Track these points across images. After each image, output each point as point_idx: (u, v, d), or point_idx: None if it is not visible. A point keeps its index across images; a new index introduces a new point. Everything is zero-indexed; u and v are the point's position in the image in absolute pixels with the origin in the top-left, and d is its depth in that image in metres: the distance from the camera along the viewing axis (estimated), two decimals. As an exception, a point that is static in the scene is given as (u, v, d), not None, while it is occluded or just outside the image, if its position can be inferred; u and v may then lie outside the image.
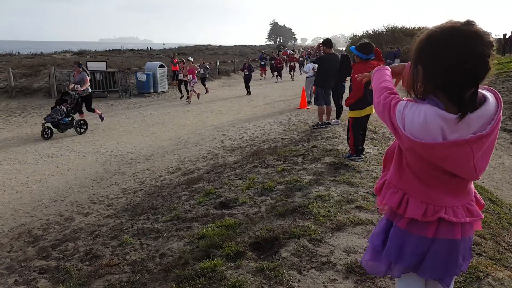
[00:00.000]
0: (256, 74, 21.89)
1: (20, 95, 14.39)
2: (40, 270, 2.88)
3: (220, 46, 47.20)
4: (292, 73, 22.88)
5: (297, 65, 23.72)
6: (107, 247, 3.06)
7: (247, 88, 15.68)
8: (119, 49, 37.39)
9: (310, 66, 11.37)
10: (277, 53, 24.27)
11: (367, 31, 33.92)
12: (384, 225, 1.40)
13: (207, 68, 16.33)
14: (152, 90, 15.51)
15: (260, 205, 3.60)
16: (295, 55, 27.29)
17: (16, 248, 3.87)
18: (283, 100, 14.05)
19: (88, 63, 15.39)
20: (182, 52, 32.47)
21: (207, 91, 16.10)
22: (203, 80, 16.12)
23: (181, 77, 14.12)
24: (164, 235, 3.18)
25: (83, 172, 6.40)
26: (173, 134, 9.15)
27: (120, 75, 15.31)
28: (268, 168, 4.99)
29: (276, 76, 21.86)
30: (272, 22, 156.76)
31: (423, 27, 1.58)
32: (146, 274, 2.43)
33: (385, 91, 1.35)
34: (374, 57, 4.66)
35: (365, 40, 5.06)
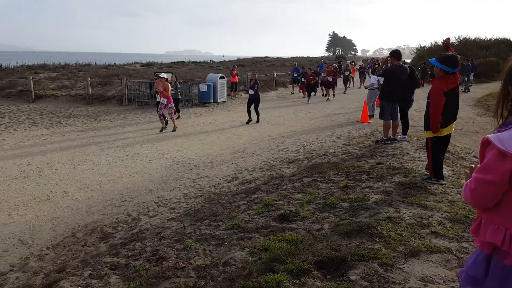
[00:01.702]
0: (287, 90, 21.21)
1: (96, 102, 15.73)
2: (111, 266, 3.04)
3: (277, 58, 47.75)
4: (329, 91, 17.69)
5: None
6: (172, 250, 3.14)
7: (250, 112, 11.90)
8: (183, 61, 39.50)
9: (375, 79, 10.99)
10: (309, 68, 19.25)
11: (435, 42, 31.86)
12: (484, 258, 1.34)
13: (178, 86, 13.10)
14: (212, 100, 16.05)
15: (323, 222, 3.48)
16: (352, 66, 26.51)
17: (89, 243, 4.16)
18: (343, 113, 13.70)
19: (156, 74, 16.37)
20: (241, 64, 33.37)
21: (178, 116, 12.64)
22: (176, 102, 12.25)
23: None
24: (226, 243, 3.19)
25: (149, 176, 6.75)
26: (231, 143, 9.33)
27: (184, 85, 16.08)
28: (329, 184, 4.83)
29: (308, 95, 17.02)
30: (331, 34, 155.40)
31: (503, 38, 1.72)
32: (210, 281, 2.45)
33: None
34: (459, 70, 4.26)
35: (449, 52, 4.67)
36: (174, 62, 36.86)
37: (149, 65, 31.55)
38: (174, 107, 10.86)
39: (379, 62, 38.77)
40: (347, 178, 5.04)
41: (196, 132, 10.61)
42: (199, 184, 6.29)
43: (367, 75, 23.52)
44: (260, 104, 12.14)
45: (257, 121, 11.86)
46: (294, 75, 20.66)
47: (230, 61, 42.67)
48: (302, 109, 15.00)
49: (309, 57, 60.47)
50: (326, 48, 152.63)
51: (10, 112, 13.36)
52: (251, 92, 11.84)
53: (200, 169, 7.18)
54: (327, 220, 3.55)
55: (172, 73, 13.79)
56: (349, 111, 14.34)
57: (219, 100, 16.36)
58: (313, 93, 17.28)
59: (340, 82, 21.62)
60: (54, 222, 4.87)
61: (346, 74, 21.34)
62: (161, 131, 10.55)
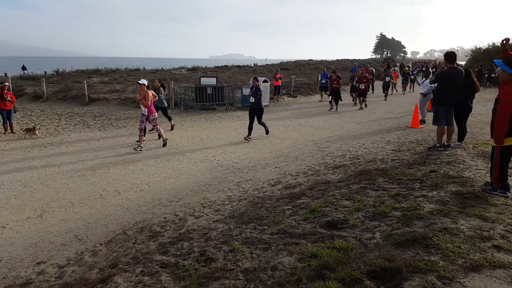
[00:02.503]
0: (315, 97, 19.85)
1: (144, 104, 16.49)
2: (161, 264, 3.16)
3: (321, 61, 47.18)
4: (360, 99, 15.98)
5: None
6: (220, 251, 3.20)
7: (251, 127, 10.13)
8: (227, 65, 40.34)
9: (428, 83, 10.51)
10: (333, 71, 16.44)
11: (493, 43, 29.77)
12: None
13: (161, 91, 11.63)
14: (255, 104, 16.20)
15: (374, 231, 3.37)
16: (396, 70, 25.16)
17: (139, 241, 4.35)
18: (391, 118, 13.22)
19: (201, 78, 16.87)
20: (284, 67, 33.39)
21: (172, 127, 11.57)
22: (164, 111, 11.55)
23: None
24: (273, 247, 3.19)
25: (195, 177, 6.95)
26: (274, 147, 9.34)
27: (228, 89, 16.40)
28: (379, 191, 4.67)
29: (331, 102, 15.36)
30: (379, 35, 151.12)
31: None
32: (259, 285, 2.46)
33: None
34: None
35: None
36: (218, 66, 37.73)
37: (194, 69, 32.57)
38: (157, 119, 9.22)
39: (430, 64, 36.74)
40: (398, 186, 4.85)
41: (239, 136, 10.75)
42: (242, 187, 6.36)
43: (417, 79, 21.68)
44: (263, 115, 10.26)
45: (266, 133, 10.38)
46: (323, 81, 18.60)
47: (273, 64, 42.88)
48: (348, 114, 14.67)
49: (355, 59, 59.13)
50: (373, 50, 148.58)
51: (66, 114, 14.42)
52: (252, 100, 10.01)
53: (244, 172, 7.26)
54: (378, 229, 3.43)
55: (158, 79, 12.39)
56: (398, 115, 13.80)
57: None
58: (333, 104, 15.29)
59: (378, 89, 20.72)
60: (107, 220, 5.16)
61: (387, 80, 18.99)
62: (136, 148, 8.81)
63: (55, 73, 29.45)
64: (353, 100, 17.14)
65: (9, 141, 10.18)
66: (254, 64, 45.62)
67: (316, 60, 48.18)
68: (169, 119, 11.86)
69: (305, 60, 46.34)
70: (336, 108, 15.37)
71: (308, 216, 4.02)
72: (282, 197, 5.39)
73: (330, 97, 15.57)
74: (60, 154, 8.72)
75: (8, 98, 11.19)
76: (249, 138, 10.03)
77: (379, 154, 7.91)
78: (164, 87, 12.10)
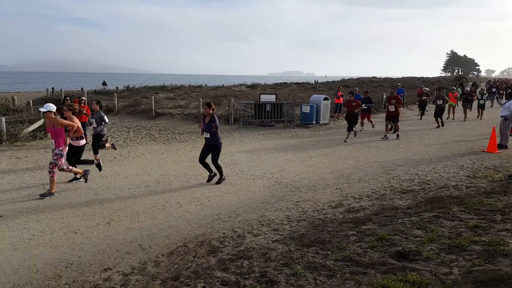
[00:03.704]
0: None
1: (205, 120, 17.17)
2: (222, 282, 3.17)
3: (386, 78, 45.60)
4: (389, 125, 13.62)
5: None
6: (281, 274, 3.13)
7: (206, 164, 7.70)
8: (286, 82, 40.67)
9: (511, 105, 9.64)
10: (350, 92, 13.63)
11: None
12: None
13: (102, 120, 9.15)
14: (314, 122, 16.03)
15: (451, 266, 3.07)
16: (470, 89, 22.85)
17: (199, 255, 4.43)
18: (464, 141, 12.24)
19: (261, 95, 17.18)
20: (345, 84, 32.80)
21: (97, 162, 8.50)
22: (96, 138, 9.14)
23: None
24: (338, 275, 3.04)
25: (253, 194, 6.98)
26: (334, 167, 9.10)
27: (287, 106, 16.46)
28: (455, 221, 4.29)
29: (348, 129, 12.72)
30: (449, 52, 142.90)
31: None
32: (325, 316, 2.34)
33: None
34: None
35: None
36: (277, 83, 38.21)
37: (253, 86, 33.33)
38: (61, 157, 6.78)
39: (503, 83, 33.15)
40: (476, 217, 4.42)
41: (297, 154, 10.66)
42: (301, 207, 6.24)
43: (498, 100, 17.73)
44: (220, 154, 7.69)
45: (218, 181, 7.54)
46: (364, 107, 16.17)
47: (333, 81, 42.38)
48: (416, 134, 13.88)
49: (423, 77, 56.24)
50: (443, 68, 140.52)
51: (134, 127, 15.48)
52: (206, 135, 7.43)
53: (303, 191, 7.14)
54: (456, 263, 3.13)
55: (96, 100, 9.66)
56: (472, 138, 12.75)
57: (321, 122, 16.25)
58: (355, 127, 13.02)
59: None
60: (169, 231, 5.35)
61: (440, 103, 15.70)
62: (42, 194, 6.72)
63: (125, 88, 32.01)
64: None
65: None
66: (315, 81, 45.47)
67: (380, 78, 46.65)
68: (96, 152, 9.00)
69: (368, 77, 45.13)
70: (355, 134, 12.96)
71: (376, 244, 3.80)
72: (345, 221, 5.17)
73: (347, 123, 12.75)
74: (128, 165, 9.33)
75: (84, 111, 12.31)
76: (214, 175, 7.63)
77: (452, 180, 7.32)
78: (101, 108, 9.44)
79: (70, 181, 7.73)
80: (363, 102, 14.27)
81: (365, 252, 3.59)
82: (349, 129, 12.71)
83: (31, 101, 18.39)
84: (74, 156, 7.72)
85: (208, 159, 7.67)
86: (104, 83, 35.47)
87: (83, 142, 7.87)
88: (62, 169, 6.91)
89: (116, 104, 19.99)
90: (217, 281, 3.18)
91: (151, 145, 12.14)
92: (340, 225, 4.96)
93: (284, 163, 9.48)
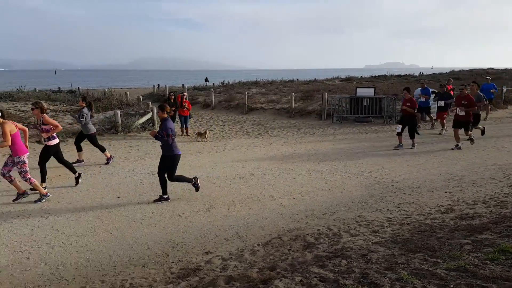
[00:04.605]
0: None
1: (297, 115, 17.21)
2: (320, 278, 3.15)
3: (506, 69, 39.88)
4: (459, 132, 10.20)
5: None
6: (384, 278, 2.98)
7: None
8: (385, 75, 38.44)
9: None
10: (404, 89, 10.80)
11: None
12: None
13: (84, 113, 8.77)
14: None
15: None
16: None
17: (294, 249, 4.48)
18: None
19: (357, 89, 16.53)
20: (456, 77, 29.58)
21: (108, 160, 9.07)
22: (90, 138, 8.94)
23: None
24: (452, 286, 2.78)
25: (349, 192, 6.78)
26: (443, 168, 8.30)
27: (387, 101, 15.55)
28: None
29: (400, 134, 10.47)
30: None
31: None
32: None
33: None
34: None
35: None
36: (375, 76, 36.37)
37: (348, 80, 32.28)
38: (25, 164, 6.31)
39: None
40: None
41: (399, 151, 9.99)
42: (404, 210, 5.85)
43: None
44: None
45: (160, 198, 6.43)
46: (421, 99, 13.56)
47: (440, 73, 38.62)
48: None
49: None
50: None
51: (229, 121, 16.31)
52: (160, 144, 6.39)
53: (406, 193, 6.68)
54: None
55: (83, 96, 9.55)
56: None
57: (427, 118, 14.96)
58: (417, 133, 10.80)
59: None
60: (263, 222, 5.52)
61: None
62: (36, 200, 6.42)
63: (221, 84, 33.89)
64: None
65: (184, 142, 12.14)
66: (420, 73, 42.07)
67: (499, 69, 40.94)
68: (102, 149, 9.11)
69: (483, 69, 40.00)
70: (413, 144, 10.40)
71: (496, 257, 3.36)
72: (457, 228, 4.69)
73: (399, 126, 10.47)
74: (224, 157, 9.88)
75: (186, 106, 13.38)
76: (162, 198, 6.44)
77: None
78: (91, 108, 9.01)
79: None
80: (441, 98, 12.72)
81: (484, 264, 3.20)
82: (410, 135, 10.39)
83: (140, 96, 20.73)
84: (45, 158, 7.13)
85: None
86: (206, 80, 38.19)
87: (54, 142, 7.11)
88: (3, 174, 6.30)
89: (213, 99, 21.30)
90: (315, 277, 3.18)
91: (244, 139, 12.65)
92: (452, 232, 4.51)
93: (384, 162, 8.99)
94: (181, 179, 6.50)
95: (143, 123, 13.90)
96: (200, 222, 5.57)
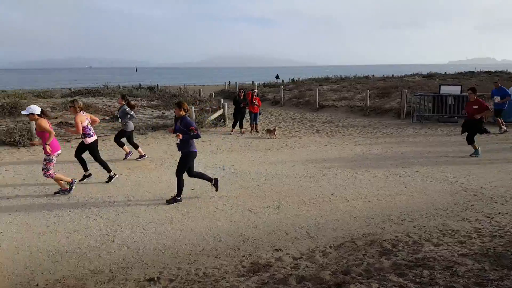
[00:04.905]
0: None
1: (372, 113, 16.54)
2: (399, 287, 3.01)
3: None
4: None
5: None
6: (475, 294, 2.75)
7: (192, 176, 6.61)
8: (472, 71, 35.29)
9: None
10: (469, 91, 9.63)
11: None
12: None
13: (126, 110, 9.17)
14: (513, 119, 13.34)
15: None
16: None
17: (369, 254, 4.33)
18: None
19: (441, 86, 15.37)
20: None
21: (140, 156, 9.44)
22: (128, 136, 9.33)
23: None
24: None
25: (431, 198, 6.35)
26: (545, 177, 7.37)
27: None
28: None
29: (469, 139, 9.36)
30: None
31: None
32: None
33: None
34: None
35: None
36: (461, 73, 33.54)
37: (430, 76, 30.20)
38: (50, 161, 6.56)
39: None
40: None
41: (490, 156, 9.08)
42: (496, 221, 5.32)
43: None
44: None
45: (173, 198, 6.34)
46: (497, 101, 12.33)
47: (542, 69, 34.29)
48: None
49: None
50: None
51: (298, 118, 16.25)
52: (177, 141, 6.27)
53: (498, 202, 6.07)
54: None
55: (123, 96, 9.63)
56: None
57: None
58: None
59: None
60: (335, 224, 5.42)
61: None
62: (56, 192, 6.84)
63: (291, 81, 33.90)
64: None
65: (253, 138, 12.38)
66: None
67: None
68: (122, 146, 9.47)
69: None
70: (476, 153, 9.22)
71: None
72: None
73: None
74: (293, 155, 9.88)
75: (256, 103, 13.62)
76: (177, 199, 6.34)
77: None
78: (132, 106, 9.41)
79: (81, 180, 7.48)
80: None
81: None
82: (469, 140, 9.25)
83: (213, 93, 21.61)
84: (81, 152, 7.52)
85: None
86: (277, 77, 38.59)
87: (91, 140, 7.32)
88: (44, 175, 6.64)
89: (282, 96, 21.40)
90: (393, 285, 3.04)
91: (314, 137, 12.51)
92: (558, 250, 3.99)
93: (472, 167, 8.25)
94: (182, 185, 6.32)
95: (215, 118, 14.47)
96: (270, 219, 5.64)
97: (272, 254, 4.58)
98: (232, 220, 5.63)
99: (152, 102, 18.38)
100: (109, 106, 16.25)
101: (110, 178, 7.57)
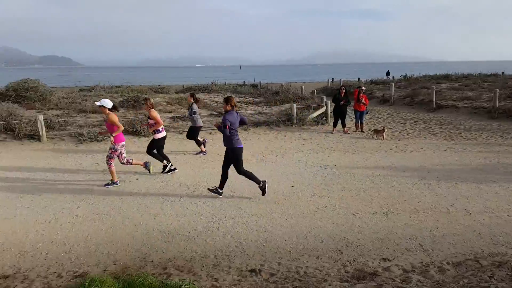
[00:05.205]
0: None
1: (502, 116, 14.48)
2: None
3: None
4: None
5: None
6: None
7: (224, 177, 6.63)
8: None
9: None
10: None
11: None
12: None
13: (193, 110, 9.63)
14: None
15: None
16: None
17: (497, 277, 3.78)
18: None
19: None
20: None
21: (202, 153, 9.90)
22: (193, 132, 9.82)
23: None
24: None
25: None
26: None
27: None
28: None
29: None
30: None
31: None
32: None
33: None
34: None
35: None
36: None
37: None
38: (115, 150, 7.22)
39: None
40: None
41: None
42: None
43: None
44: None
45: (262, 189, 6.50)
46: None
47: None
48: None
49: None
50: None
51: (411, 119, 15.07)
52: (227, 132, 6.23)
53: None
54: None
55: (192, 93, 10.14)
56: None
57: None
58: None
59: None
60: (454, 239, 4.87)
61: None
62: (106, 184, 7.34)
63: (402, 78, 31.70)
64: None
65: (359, 138, 11.89)
66: None
67: None
68: (198, 143, 9.95)
69: None
70: None
71: None
72: None
73: None
74: (404, 158, 9.19)
75: (363, 101, 13.04)
76: (217, 191, 6.52)
77: None
78: (197, 102, 9.91)
79: (163, 172, 8.04)
80: None
81: None
82: None
83: (315, 90, 21.42)
84: (151, 148, 8.13)
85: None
86: (388, 73, 36.69)
87: (160, 135, 8.03)
88: (122, 163, 7.50)
89: (392, 94, 20.13)
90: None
91: (430, 140, 11.46)
92: None
93: None
94: (251, 176, 6.42)
95: (316, 116, 14.32)
96: (377, 226, 5.33)
97: (379, 263, 4.32)
98: (334, 222, 5.48)
99: (254, 99, 19.03)
100: (216, 102, 17.33)
101: (165, 167, 8.05)
